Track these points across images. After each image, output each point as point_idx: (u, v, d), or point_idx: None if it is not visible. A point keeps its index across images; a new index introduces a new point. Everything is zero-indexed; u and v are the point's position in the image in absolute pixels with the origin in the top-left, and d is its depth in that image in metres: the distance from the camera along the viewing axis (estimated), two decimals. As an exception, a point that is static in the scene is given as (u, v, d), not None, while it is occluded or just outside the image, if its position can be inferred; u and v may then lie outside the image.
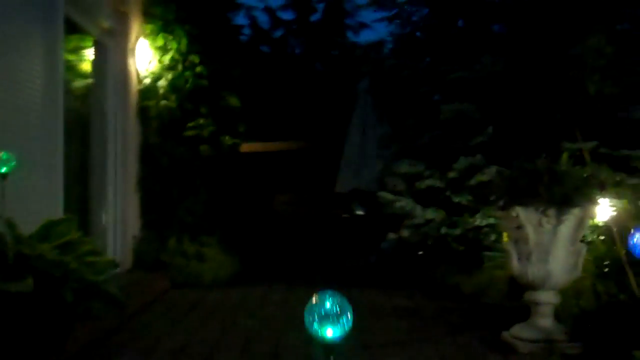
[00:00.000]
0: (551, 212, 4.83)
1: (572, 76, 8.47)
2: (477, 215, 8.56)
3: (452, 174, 8.54)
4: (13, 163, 4.14)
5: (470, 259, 8.44)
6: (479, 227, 8.36)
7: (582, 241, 5.12)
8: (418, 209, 8.55)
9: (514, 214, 4.93)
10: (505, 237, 5.25)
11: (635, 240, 3.61)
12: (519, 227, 4.96)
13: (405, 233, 11.92)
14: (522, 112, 8.49)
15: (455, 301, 7.39)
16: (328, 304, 2.01)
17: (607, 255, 5.44)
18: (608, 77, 8.47)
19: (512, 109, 8.59)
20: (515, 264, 5.05)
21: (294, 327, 5.78)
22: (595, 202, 4.98)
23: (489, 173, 8.25)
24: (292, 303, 7.22)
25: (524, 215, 4.89)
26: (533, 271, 4.95)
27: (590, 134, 8.11)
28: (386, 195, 8.78)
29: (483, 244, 8.35)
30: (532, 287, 5.01)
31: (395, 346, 5.31)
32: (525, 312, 6.12)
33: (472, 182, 8.44)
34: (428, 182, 8.60)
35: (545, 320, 5.02)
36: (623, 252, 5.02)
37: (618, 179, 8.01)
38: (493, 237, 8.32)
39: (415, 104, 9.44)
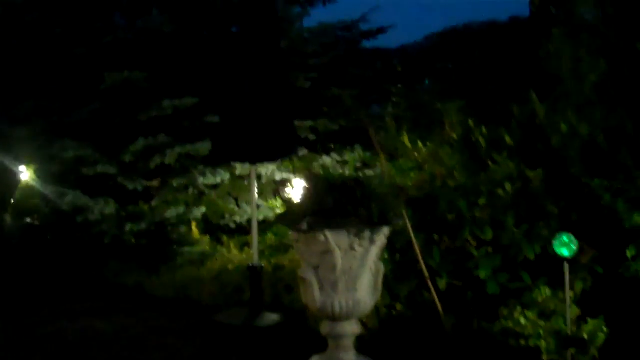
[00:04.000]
0: (366, 234, 4.12)
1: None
2: (155, 203, 7.41)
3: (127, 157, 7.17)
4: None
5: (153, 255, 7.29)
6: (164, 219, 7.22)
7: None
8: (90, 203, 7.00)
9: (321, 238, 4.07)
10: (300, 263, 4.36)
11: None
12: (325, 252, 4.14)
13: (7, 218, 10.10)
14: (203, 81, 7.47)
15: (166, 315, 6.19)
16: None
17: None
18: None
19: (190, 78, 7.52)
20: (317, 296, 4.22)
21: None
22: (402, 216, 4.41)
23: (172, 155, 7.15)
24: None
25: (335, 239, 4.07)
26: (340, 302, 4.19)
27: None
28: (48, 189, 7.01)
29: (171, 237, 7.26)
30: (337, 318, 4.26)
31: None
32: (281, 334, 5.41)
33: (152, 165, 7.23)
34: (100, 168, 7.08)
35: (349, 355, 4.33)
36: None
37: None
38: (183, 229, 7.30)
39: (68, 69, 7.65)
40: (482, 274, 4.82)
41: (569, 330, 3.86)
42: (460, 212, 4.96)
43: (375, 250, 4.23)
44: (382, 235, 4.23)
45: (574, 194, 4.94)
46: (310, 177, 4.26)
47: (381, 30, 9.61)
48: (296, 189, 6.53)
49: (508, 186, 4.89)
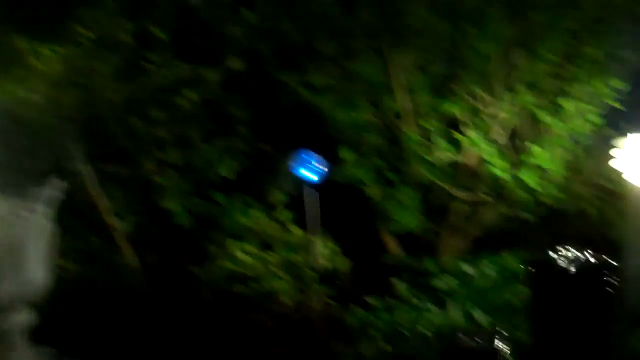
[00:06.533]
0: (33, 190, 2.93)
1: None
2: None
3: None
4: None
5: None
6: None
7: None
8: None
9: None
10: None
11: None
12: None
13: None
14: None
15: None
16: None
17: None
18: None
19: None
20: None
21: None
22: (83, 159, 3.16)
23: None
24: None
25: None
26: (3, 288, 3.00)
27: None
28: None
29: None
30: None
31: None
32: None
33: None
34: None
35: (21, 354, 3.17)
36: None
37: None
38: None
39: None
40: (171, 204, 3.92)
41: (315, 263, 3.20)
42: (135, 132, 3.90)
43: (47, 211, 3.06)
44: (58, 190, 3.07)
45: (265, 95, 4.22)
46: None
47: None
48: None
49: (191, 94, 3.94)
